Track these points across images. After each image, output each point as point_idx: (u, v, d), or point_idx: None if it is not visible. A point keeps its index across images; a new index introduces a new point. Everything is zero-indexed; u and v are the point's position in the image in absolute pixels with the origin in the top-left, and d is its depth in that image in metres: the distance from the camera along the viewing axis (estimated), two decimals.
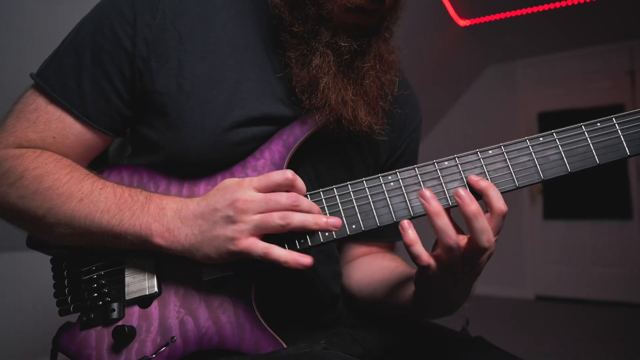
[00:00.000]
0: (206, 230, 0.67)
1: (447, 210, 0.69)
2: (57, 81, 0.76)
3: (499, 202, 0.66)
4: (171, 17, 0.76)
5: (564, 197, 5.09)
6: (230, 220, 0.65)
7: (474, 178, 0.69)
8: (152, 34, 0.74)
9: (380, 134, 0.82)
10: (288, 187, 0.68)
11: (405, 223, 0.66)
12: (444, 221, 0.65)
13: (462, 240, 0.67)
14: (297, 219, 0.65)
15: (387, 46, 0.80)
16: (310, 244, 0.71)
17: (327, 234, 0.70)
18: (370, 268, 0.95)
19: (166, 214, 0.69)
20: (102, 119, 0.78)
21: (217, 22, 0.79)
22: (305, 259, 0.65)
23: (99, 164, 0.85)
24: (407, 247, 0.67)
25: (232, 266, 0.72)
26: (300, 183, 0.68)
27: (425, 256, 0.66)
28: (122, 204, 0.70)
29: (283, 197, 0.65)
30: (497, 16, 4.22)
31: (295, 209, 0.66)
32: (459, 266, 0.67)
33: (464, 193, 0.65)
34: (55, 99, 0.76)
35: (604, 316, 4.35)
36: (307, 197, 0.72)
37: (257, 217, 0.65)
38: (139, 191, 0.72)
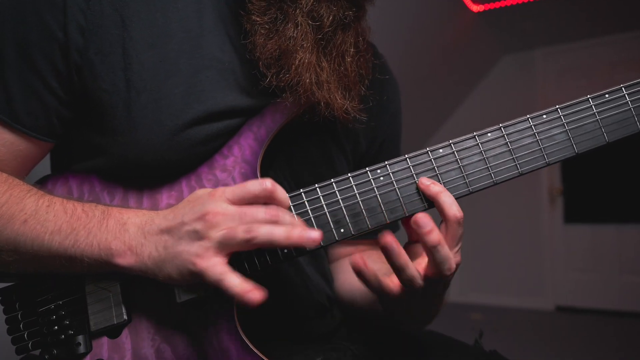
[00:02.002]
0: (170, 246, 0.63)
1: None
2: None
3: (451, 208, 0.66)
4: None
5: (587, 198, 5.05)
6: (197, 236, 0.61)
7: (425, 182, 0.68)
8: (86, 21, 0.69)
9: (360, 120, 0.79)
10: (267, 199, 0.63)
11: (390, 240, 0.65)
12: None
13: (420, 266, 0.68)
14: (264, 232, 0.60)
15: (365, 24, 0.78)
16: (294, 254, 0.69)
17: None
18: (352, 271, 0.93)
19: (128, 229, 0.65)
20: (37, 124, 0.72)
21: (166, 0, 0.74)
22: (255, 295, 0.58)
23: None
24: (398, 272, 0.66)
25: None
26: (281, 194, 0.63)
27: (393, 285, 0.67)
28: (75, 221, 0.66)
29: (260, 212, 0.61)
30: (514, 0, 4.20)
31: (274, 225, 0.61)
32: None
33: (423, 218, 0.64)
34: None
35: (631, 329, 4.31)
36: (292, 208, 0.69)
37: (223, 232, 0.60)
38: (94, 205, 0.69)
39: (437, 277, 0.66)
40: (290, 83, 0.72)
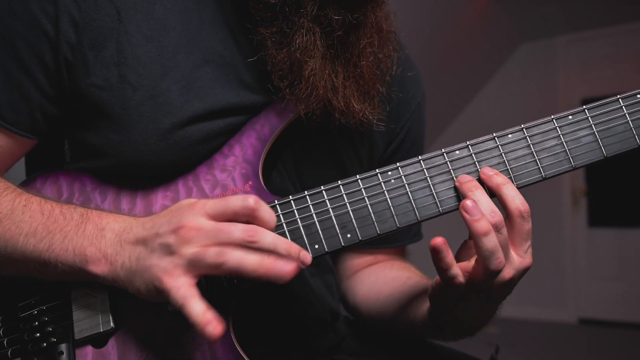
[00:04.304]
0: (142, 258, 0.64)
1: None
2: None
3: (514, 201, 0.66)
4: None
5: (613, 199, 5.05)
6: (169, 250, 0.62)
7: (488, 172, 0.69)
8: (80, 14, 0.71)
9: (379, 125, 0.80)
10: (248, 218, 0.63)
11: (440, 242, 0.65)
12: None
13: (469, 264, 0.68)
14: (235, 258, 0.60)
15: (383, 13, 0.78)
16: None
17: (316, 246, 0.69)
18: (377, 281, 0.94)
19: (105, 235, 0.67)
20: (19, 119, 0.75)
21: None
22: (213, 329, 0.59)
23: (54, 164, 0.83)
24: (442, 272, 0.66)
25: (205, 291, 0.69)
26: (265, 213, 0.63)
27: (461, 277, 0.67)
28: (52, 224, 0.68)
29: (237, 230, 0.61)
30: None
31: (251, 245, 0.61)
32: (488, 286, 0.67)
33: (472, 205, 0.65)
34: None
35: None
36: (282, 219, 0.70)
37: (194, 250, 0.61)
38: (73, 207, 0.70)
39: (482, 273, 0.65)
40: (303, 95, 0.73)
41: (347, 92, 0.75)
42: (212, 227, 0.62)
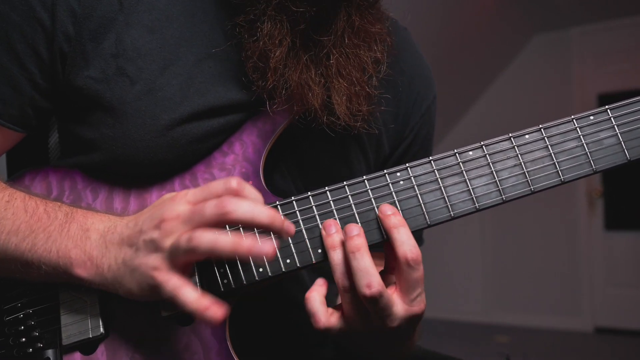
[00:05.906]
0: (129, 258, 0.65)
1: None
2: None
3: (402, 246, 0.66)
4: None
5: (631, 201, 5.05)
6: (154, 246, 0.63)
7: (386, 211, 0.68)
8: (80, 4, 0.72)
9: (361, 129, 0.80)
10: None
11: (321, 281, 0.70)
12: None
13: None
14: (207, 241, 0.60)
15: (364, 13, 0.78)
16: (283, 269, 0.70)
17: (319, 250, 0.69)
18: None
19: (90, 236, 0.68)
20: (8, 111, 0.75)
21: None
22: (216, 313, 0.59)
23: (35, 161, 0.83)
24: (305, 301, 0.69)
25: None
26: (250, 193, 0.64)
27: (324, 316, 0.69)
28: (35, 223, 0.69)
29: (209, 205, 0.61)
30: None
31: (226, 218, 0.61)
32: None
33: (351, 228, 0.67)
34: None
35: None
36: (278, 208, 0.70)
37: (172, 240, 0.62)
38: (58, 206, 0.71)
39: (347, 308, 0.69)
40: (270, 87, 0.73)
41: (324, 91, 0.75)
42: (188, 211, 0.63)
